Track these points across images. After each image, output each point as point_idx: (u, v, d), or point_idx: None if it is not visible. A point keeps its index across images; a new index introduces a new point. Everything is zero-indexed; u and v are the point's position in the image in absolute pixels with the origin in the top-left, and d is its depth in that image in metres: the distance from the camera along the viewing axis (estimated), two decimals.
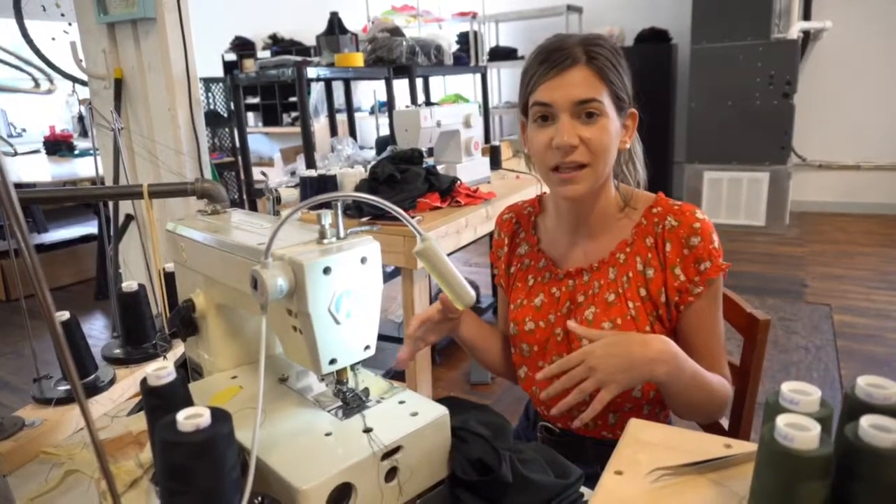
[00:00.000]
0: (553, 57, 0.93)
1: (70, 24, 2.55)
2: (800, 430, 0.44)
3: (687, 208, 0.99)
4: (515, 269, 1.15)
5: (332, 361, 0.72)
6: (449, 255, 2.13)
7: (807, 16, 5.03)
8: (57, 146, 5.32)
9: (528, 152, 1.03)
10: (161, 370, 0.64)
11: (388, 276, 3.33)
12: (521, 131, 1.05)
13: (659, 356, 0.84)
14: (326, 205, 0.72)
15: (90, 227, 4.98)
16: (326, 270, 0.68)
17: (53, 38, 2.64)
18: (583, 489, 0.74)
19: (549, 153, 0.95)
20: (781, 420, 0.46)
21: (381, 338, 3.16)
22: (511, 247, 1.16)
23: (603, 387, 0.83)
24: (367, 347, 0.75)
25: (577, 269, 1.05)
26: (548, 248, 1.11)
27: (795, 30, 4.75)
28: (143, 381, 0.65)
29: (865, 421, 0.45)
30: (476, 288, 3.33)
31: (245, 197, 2.95)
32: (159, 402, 0.64)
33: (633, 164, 1.07)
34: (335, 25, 2.96)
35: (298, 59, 2.85)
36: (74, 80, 2.57)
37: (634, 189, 1.06)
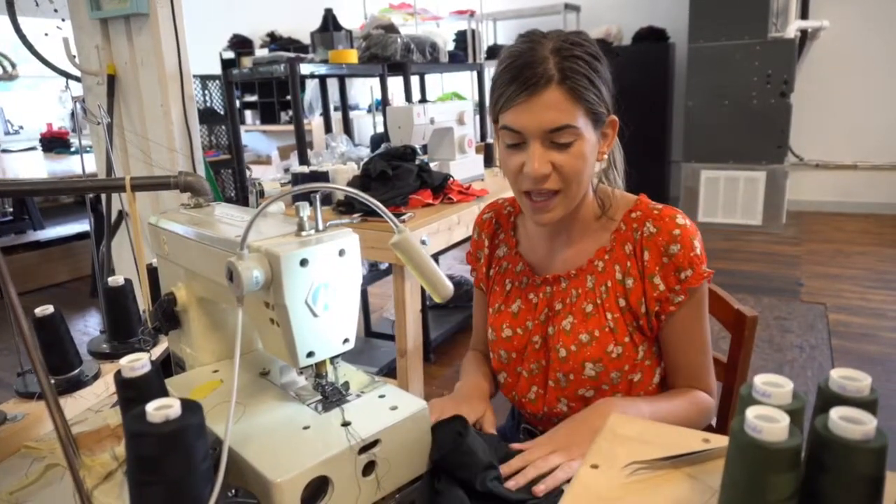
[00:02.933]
0: (524, 75, 0.85)
1: (63, 20, 2.54)
2: (769, 421, 0.44)
3: (667, 213, 0.94)
4: (494, 272, 1.11)
5: (310, 354, 0.72)
6: (441, 252, 2.14)
7: (804, 15, 5.03)
8: (54, 143, 5.31)
9: (500, 161, 0.99)
10: (136, 361, 0.64)
11: (382, 274, 3.32)
12: (495, 136, 0.99)
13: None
14: (308, 198, 0.71)
15: (87, 225, 4.97)
16: (303, 262, 0.67)
17: (46, 34, 2.64)
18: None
19: (521, 177, 0.91)
20: (751, 412, 0.45)
21: (376, 335, 3.15)
22: (491, 248, 1.12)
23: (572, 460, 0.78)
24: (345, 340, 0.75)
25: (554, 276, 1.01)
26: (526, 251, 1.07)
27: (793, 29, 4.74)
28: (118, 373, 0.64)
29: (835, 413, 0.44)
30: (471, 286, 3.32)
31: (240, 194, 2.95)
32: (134, 394, 0.64)
33: (613, 170, 1.02)
34: (329, 22, 2.96)
35: (292, 55, 2.84)
36: (67, 76, 2.56)
37: (615, 190, 1.01)
